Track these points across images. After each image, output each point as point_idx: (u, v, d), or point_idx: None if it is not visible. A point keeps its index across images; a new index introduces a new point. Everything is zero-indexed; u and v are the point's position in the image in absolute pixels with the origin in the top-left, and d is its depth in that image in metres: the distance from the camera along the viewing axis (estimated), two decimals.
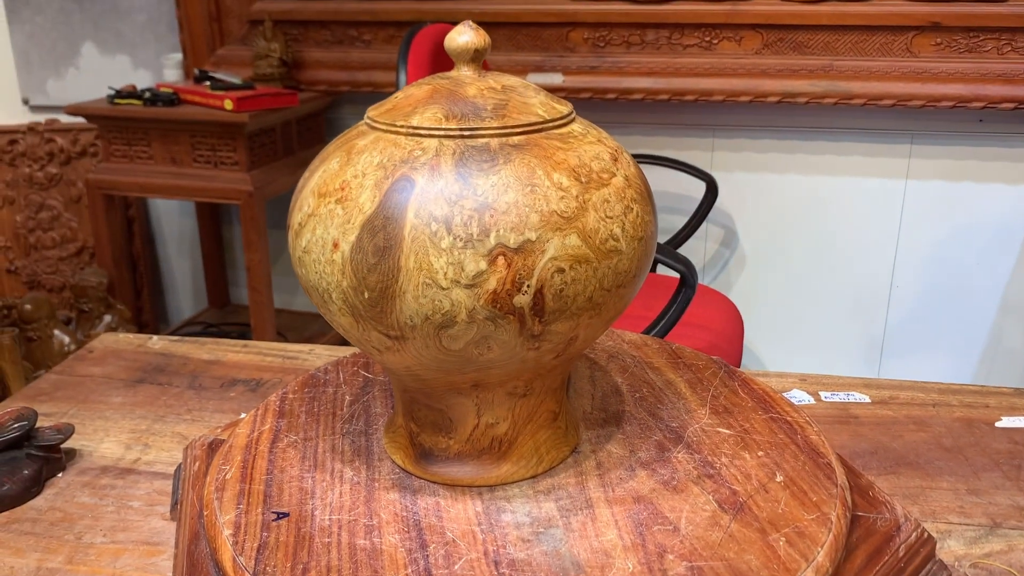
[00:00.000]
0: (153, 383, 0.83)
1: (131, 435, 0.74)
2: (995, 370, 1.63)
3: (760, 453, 0.57)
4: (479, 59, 0.51)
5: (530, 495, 0.53)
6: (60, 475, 0.68)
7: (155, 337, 0.93)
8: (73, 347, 1.55)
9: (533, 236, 0.44)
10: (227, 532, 0.50)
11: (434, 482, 0.54)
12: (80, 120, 1.73)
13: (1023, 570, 0.56)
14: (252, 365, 0.87)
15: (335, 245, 0.46)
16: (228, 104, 1.38)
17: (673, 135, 1.58)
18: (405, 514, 0.51)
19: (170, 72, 1.60)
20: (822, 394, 0.79)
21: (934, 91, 1.39)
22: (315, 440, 0.59)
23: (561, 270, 0.45)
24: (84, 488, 0.66)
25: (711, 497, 0.52)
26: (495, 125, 0.47)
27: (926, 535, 0.55)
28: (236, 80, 1.49)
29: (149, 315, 1.82)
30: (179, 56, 1.64)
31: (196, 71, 1.56)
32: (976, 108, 1.41)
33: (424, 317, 0.45)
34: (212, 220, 1.82)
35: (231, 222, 1.88)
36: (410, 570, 0.46)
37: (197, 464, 0.62)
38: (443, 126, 0.47)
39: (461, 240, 0.44)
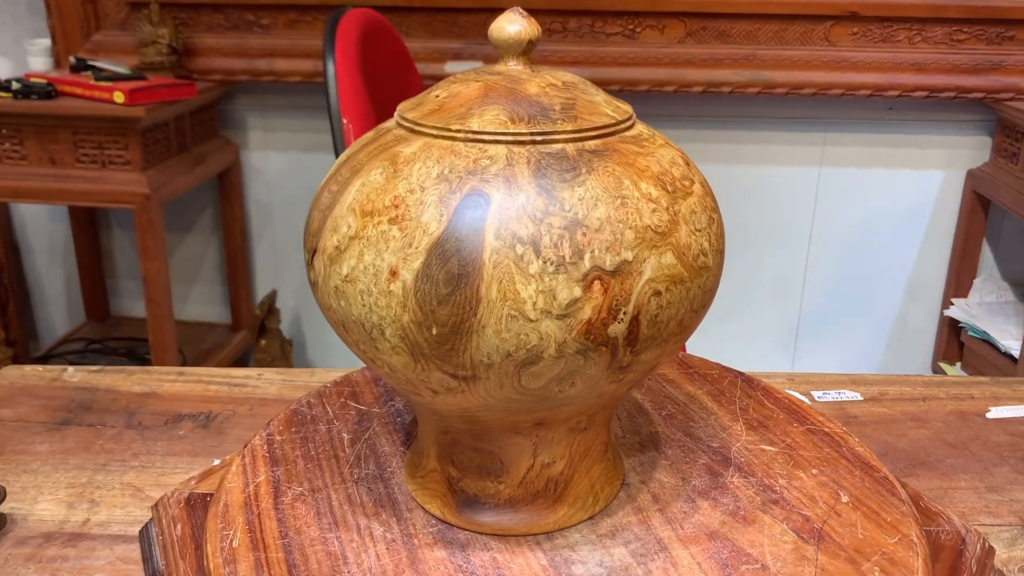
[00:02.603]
0: (82, 424, 0.72)
1: (71, 491, 0.63)
2: (902, 349, 1.71)
3: (814, 471, 0.54)
4: (530, 51, 0.45)
5: (594, 540, 0.47)
6: None
7: (71, 368, 0.81)
8: None
9: (630, 256, 0.39)
10: None
11: (482, 533, 0.48)
12: None
13: None
14: (195, 396, 0.77)
15: (393, 273, 0.39)
16: (119, 97, 1.23)
17: None
18: (460, 574, 0.45)
19: (36, 60, 1.42)
20: (815, 394, 0.78)
21: (852, 80, 1.43)
22: (325, 491, 0.51)
23: (658, 293, 0.40)
24: (28, 563, 0.56)
25: (786, 526, 0.48)
26: (569, 128, 0.41)
27: (988, 545, 0.53)
28: (123, 69, 1.34)
29: (16, 332, 1.63)
30: (47, 42, 1.46)
31: (72, 59, 1.39)
32: (891, 96, 1.46)
33: (505, 354, 0.38)
34: (89, 225, 1.65)
35: (110, 226, 1.71)
36: None
37: (179, 527, 0.53)
38: (510, 130, 0.41)
39: (552, 264, 0.38)
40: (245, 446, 0.57)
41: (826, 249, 1.67)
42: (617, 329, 0.39)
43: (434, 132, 0.42)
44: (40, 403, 0.75)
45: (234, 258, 1.65)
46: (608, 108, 0.44)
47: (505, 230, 0.38)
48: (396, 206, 0.39)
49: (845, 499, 0.51)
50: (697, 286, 0.42)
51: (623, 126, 0.43)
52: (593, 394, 0.42)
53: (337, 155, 1.01)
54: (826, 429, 0.58)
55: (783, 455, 0.55)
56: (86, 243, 1.67)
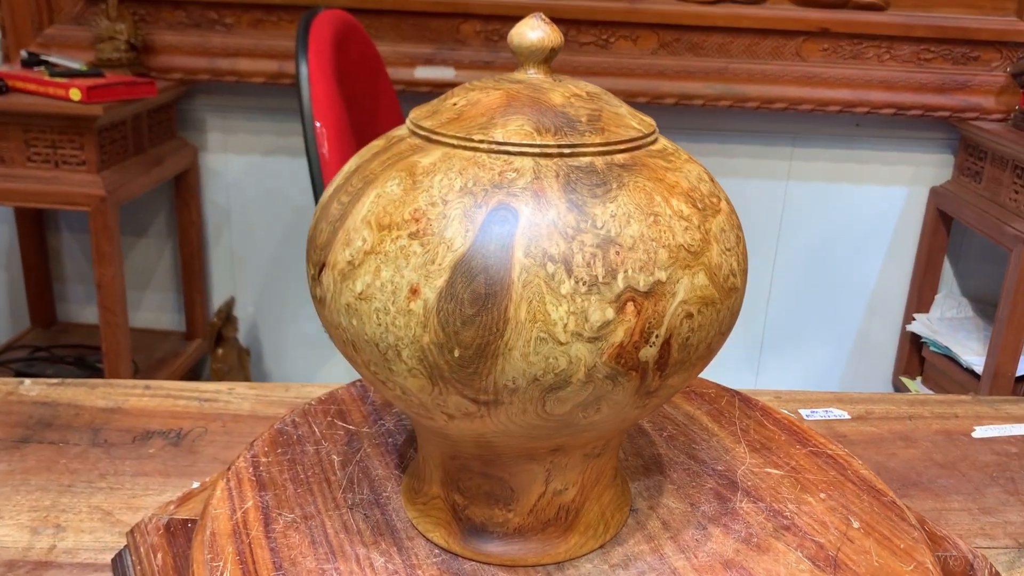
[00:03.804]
0: (43, 442, 0.68)
1: (33, 514, 0.59)
2: (864, 363, 1.73)
3: (822, 495, 0.52)
4: (551, 59, 0.43)
5: (607, 571, 0.45)
6: None
7: (27, 381, 0.76)
8: None
9: (663, 276, 0.37)
10: None
11: (489, 564, 0.45)
12: None
13: None
14: (163, 412, 0.73)
15: (414, 291, 0.36)
16: (75, 94, 1.18)
17: None
18: None
19: None
20: (803, 412, 0.77)
21: (823, 95, 1.45)
22: (318, 517, 0.49)
23: (690, 315, 0.38)
24: None
25: (800, 554, 0.47)
26: (597, 141, 0.39)
27: (994, 570, 0.53)
28: (78, 66, 1.28)
29: None
30: None
31: (24, 53, 1.32)
32: (859, 112, 1.48)
33: (532, 379, 0.36)
34: (35, 226, 1.58)
35: (57, 228, 1.64)
36: None
37: (160, 556, 0.50)
38: (537, 141, 0.38)
39: (584, 284, 0.36)
40: (229, 468, 0.54)
41: (791, 262, 1.68)
42: (648, 353, 0.37)
43: (454, 142, 0.39)
44: None
45: (190, 264, 1.59)
46: (634, 121, 0.42)
47: (535, 247, 0.36)
48: (417, 220, 0.37)
49: (856, 524, 0.50)
50: (727, 308, 0.40)
51: (649, 140, 0.42)
52: (617, 419, 0.40)
53: (309, 158, 0.98)
54: (828, 451, 0.57)
55: (789, 478, 0.54)
56: (32, 246, 1.59)
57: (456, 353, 0.36)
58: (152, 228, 1.65)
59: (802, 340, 1.72)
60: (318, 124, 0.95)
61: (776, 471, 0.55)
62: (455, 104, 0.42)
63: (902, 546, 0.48)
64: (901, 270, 1.68)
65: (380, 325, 0.37)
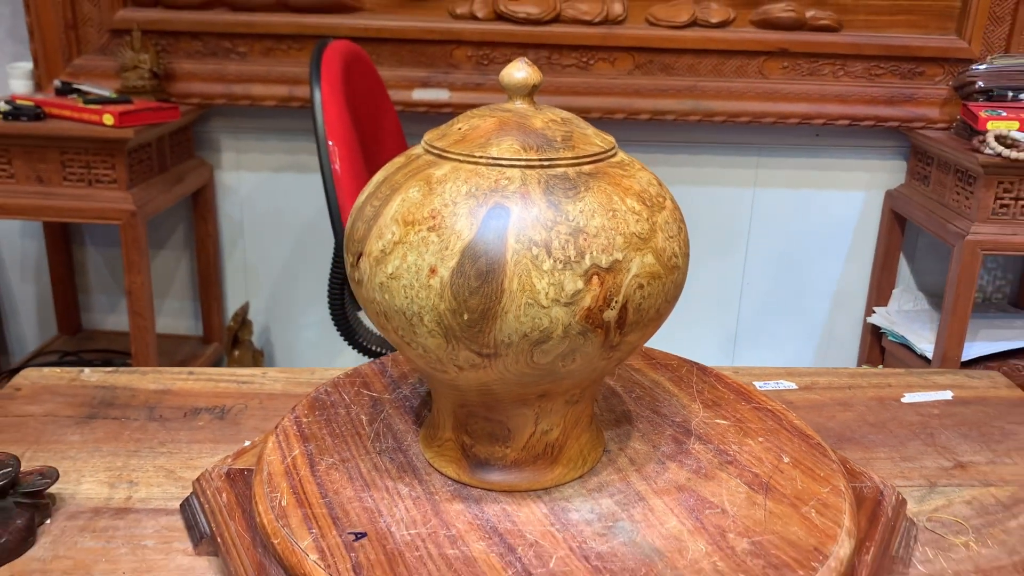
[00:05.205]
0: (107, 418, 0.79)
1: (109, 473, 0.71)
2: (830, 354, 1.85)
3: (760, 439, 0.64)
4: (534, 93, 0.55)
5: (585, 494, 0.57)
6: (48, 522, 0.64)
7: (87, 369, 0.88)
8: None
9: (620, 256, 0.49)
10: (313, 557, 0.51)
11: (492, 490, 0.57)
12: None
13: (965, 519, 0.67)
14: (208, 392, 0.85)
15: (432, 271, 0.48)
16: (108, 119, 1.30)
17: None
18: (479, 522, 0.54)
19: (18, 83, 1.47)
20: (756, 384, 0.88)
21: (783, 109, 1.57)
22: (354, 461, 0.60)
23: (641, 286, 0.50)
24: (83, 533, 0.63)
25: (739, 481, 0.59)
26: (569, 155, 0.51)
27: (901, 497, 0.64)
28: (108, 93, 1.40)
29: None
30: (28, 66, 1.51)
31: (57, 83, 1.44)
32: (817, 124, 1.60)
33: (522, 335, 0.48)
34: (63, 241, 1.69)
35: (83, 243, 1.75)
36: (510, 572, 0.49)
37: (224, 495, 0.61)
38: (523, 156, 0.50)
39: (560, 262, 0.47)
40: (276, 427, 0.65)
41: (760, 262, 1.81)
42: (610, 315, 0.49)
43: (460, 158, 0.51)
44: (64, 400, 0.82)
45: (207, 273, 1.71)
46: (597, 139, 0.54)
47: (523, 236, 0.47)
48: (433, 217, 0.49)
49: (786, 460, 0.61)
50: (671, 281, 0.52)
51: (609, 154, 0.54)
52: (588, 369, 0.52)
53: (323, 174, 1.10)
54: (769, 407, 0.69)
55: (734, 427, 0.66)
56: (60, 259, 1.71)
57: (465, 317, 0.48)
58: (171, 240, 1.76)
59: (772, 334, 1.84)
60: (331, 143, 1.07)
61: (724, 422, 0.66)
62: (460, 128, 0.54)
63: (822, 474, 0.60)
64: (861, 267, 1.81)
65: (407, 298, 0.49)
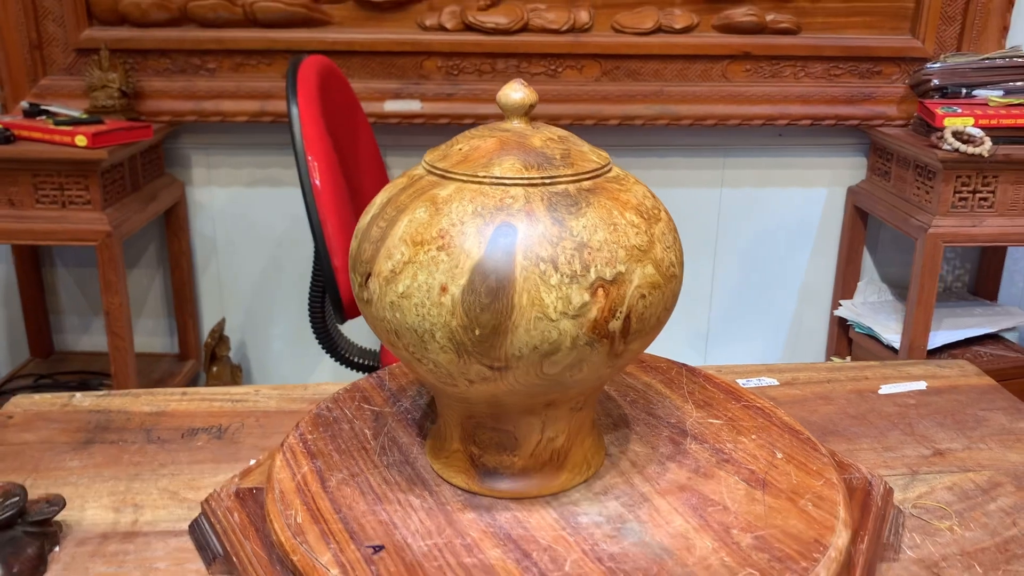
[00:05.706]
0: (105, 442, 0.79)
1: (113, 498, 0.71)
2: (799, 347, 1.90)
3: (753, 436, 0.67)
4: (530, 113, 0.57)
5: (591, 497, 0.59)
6: (57, 550, 0.64)
7: (78, 394, 0.88)
8: None
9: (622, 268, 0.51)
10: (335, 572, 0.52)
11: (501, 497, 0.58)
12: None
13: (947, 505, 0.70)
14: (203, 412, 0.85)
15: (443, 289, 0.50)
16: (81, 140, 1.29)
17: None
18: (492, 530, 0.55)
19: None
20: (740, 382, 0.91)
21: (748, 111, 1.61)
22: (363, 475, 0.61)
23: (643, 296, 0.52)
24: (94, 559, 0.63)
25: (738, 478, 0.61)
26: (569, 172, 0.53)
27: (888, 486, 0.67)
28: (78, 114, 1.39)
29: None
30: None
31: (25, 104, 1.43)
32: (780, 124, 1.64)
33: (532, 347, 0.50)
34: (32, 263, 1.67)
35: (53, 264, 1.73)
36: None
37: (236, 515, 0.62)
38: (525, 175, 0.52)
39: (567, 276, 0.49)
40: (282, 444, 0.66)
41: (729, 260, 1.85)
42: (615, 325, 0.51)
43: (464, 178, 0.53)
44: (59, 426, 0.82)
45: (181, 290, 1.70)
46: (593, 156, 0.56)
47: (531, 252, 0.49)
48: (442, 236, 0.50)
49: (779, 455, 0.64)
50: (670, 290, 0.54)
51: (605, 169, 0.56)
52: (594, 377, 0.54)
53: (303, 188, 1.11)
54: (757, 404, 0.72)
55: (727, 426, 0.68)
56: (30, 280, 1.68)
57: (477, 332, 0.49)
58: (144, 259, 1.75)
59: (743, 329, 1.89)
60: (310, 158, 1.08)
61: (717, 421, 0.69)
62: (460, 149, 0.56)
63: (815, 468, 0.62)
64: (826, 262, 1.86)
65: (419, 315, 0.50)
